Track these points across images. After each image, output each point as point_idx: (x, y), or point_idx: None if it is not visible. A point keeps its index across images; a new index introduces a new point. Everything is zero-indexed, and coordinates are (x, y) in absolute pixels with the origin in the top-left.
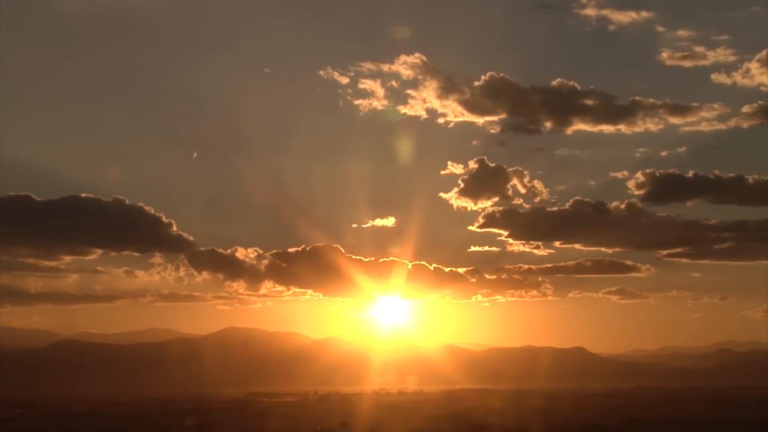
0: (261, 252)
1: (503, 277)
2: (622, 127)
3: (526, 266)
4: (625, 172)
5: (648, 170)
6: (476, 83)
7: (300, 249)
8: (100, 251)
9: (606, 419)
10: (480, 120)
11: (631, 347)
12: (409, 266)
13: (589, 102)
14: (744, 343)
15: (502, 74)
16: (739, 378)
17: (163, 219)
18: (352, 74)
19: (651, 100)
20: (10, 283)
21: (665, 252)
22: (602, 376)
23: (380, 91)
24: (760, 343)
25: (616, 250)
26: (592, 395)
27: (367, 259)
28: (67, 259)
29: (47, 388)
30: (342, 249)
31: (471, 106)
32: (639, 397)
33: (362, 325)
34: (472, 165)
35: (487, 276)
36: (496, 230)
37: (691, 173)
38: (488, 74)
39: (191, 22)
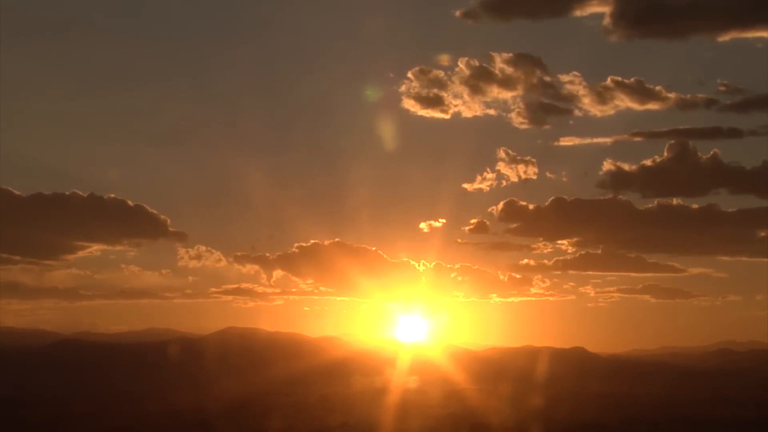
0: (266, 249)
1: (516, 276)
2: (652, 106)
3: (529, 263)
4: (631, 164)
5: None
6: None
7: (304, 246)
8: (100, 250)
9: (605, 419)
10: (504, 97)
11: (631, 347)
12: (419, 267)
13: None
14: (744, 343)
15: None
16: (739, 378)
17: (164, 217)
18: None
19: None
20: (9, 282)
21: (671, 249)
22: (602, 376)
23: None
24: (760, 343)
25: (617, 246)
26: (592, 395)
27: (371, 254)
28: (66, 258)
29: (48, 388)
30: (347, 246)
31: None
32: (639, 396)
33: (363, 325)
34: (487, 156)
35: (501, 275)
36: (506, 225)
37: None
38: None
39: (192, 14)
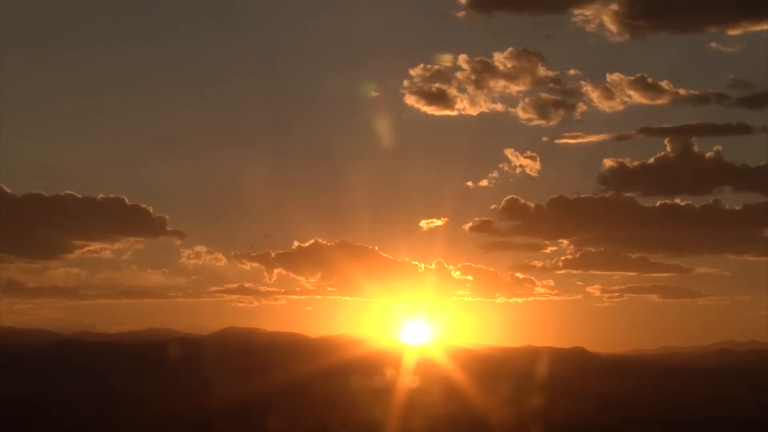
0: (267, 248)
1: (519, 276)
2: (660, 102)
3: (533, 262)
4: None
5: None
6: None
7: (306, 246)
8: (98, 249)
9: (605, 419)
10: (508, 93)
11: (631, 347)
12: (421, 266)
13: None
14: (744, 343)
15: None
16: (740, 378)
17: (162, 216)
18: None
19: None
20: (8, 282)
21: (676, 248)
22: (602, 376)
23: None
24: (760, 343)
25: (621, 245)
26: (592, 395)
27: (372, 254)
28: (65, 257)
29: (48, 388)
30: (349, 245)
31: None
32: (639, 396)
33: (364, 325)
34: (490, 154)
35: (504, 275)
36: (508, 223)
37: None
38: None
39: (191, 14)
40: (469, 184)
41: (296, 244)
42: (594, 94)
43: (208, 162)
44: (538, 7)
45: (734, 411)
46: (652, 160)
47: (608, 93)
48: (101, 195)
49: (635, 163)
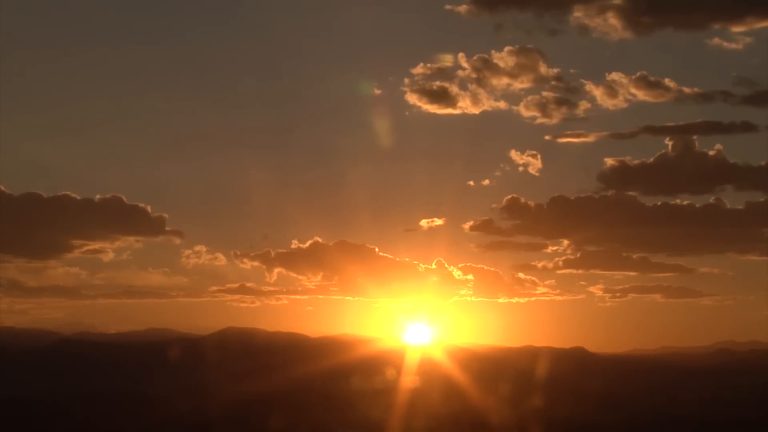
0: (267, 247)
1: (521, 276)
2: (664, 100)
3: (534, 262)
4: (632, 158)
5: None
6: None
7: (306, 245)
8: (98, 249)
9: (605, 419)
10: (509, 92)
11: (631, 347)
12: (422, 266)
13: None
14: (744, 343)
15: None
16: (740, 378)
17: (162, 216)
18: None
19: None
20: (8, 282)
21: (679, 248)
22: (602, 376)
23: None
24: (760, 343)
25: (623, 245)
26: (592, 395)
27: (373, 253)
28: (65, 257)
29: (48, 389)
30: (349, 244)
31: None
32: (639, 397)
33: (364, 325)
34: (492, 153)
35: (505, 275)
36: (510, 222)
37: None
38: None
39: (191, 13)
40: (471, 183)
41: (295, 243)
42: (597, 92)
43: (207, 161)
44: (541, 3)
45: (734, 411)
46: (652, 159)
47: (611, 91)
48: (99, 195)
49: (636, 162)
